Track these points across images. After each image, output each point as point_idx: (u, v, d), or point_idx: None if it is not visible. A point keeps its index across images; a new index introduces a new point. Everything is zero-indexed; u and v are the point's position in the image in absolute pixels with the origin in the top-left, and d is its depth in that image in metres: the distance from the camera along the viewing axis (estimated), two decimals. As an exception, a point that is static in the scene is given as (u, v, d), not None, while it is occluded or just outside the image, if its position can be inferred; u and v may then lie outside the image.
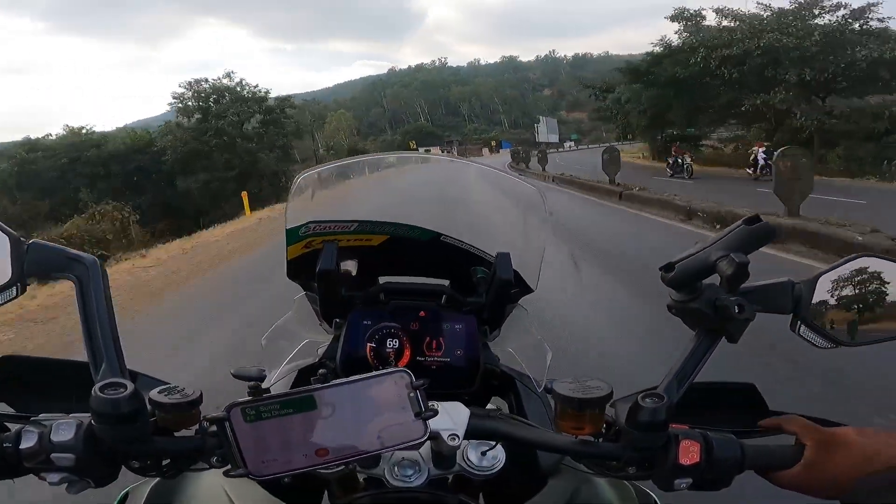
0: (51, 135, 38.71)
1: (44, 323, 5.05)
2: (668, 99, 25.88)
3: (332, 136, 66.65)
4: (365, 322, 0.79)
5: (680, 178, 18.89)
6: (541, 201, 0.85)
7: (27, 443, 0.46)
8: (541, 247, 0.85)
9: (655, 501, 0.68)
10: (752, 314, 0.54)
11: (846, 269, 0.58)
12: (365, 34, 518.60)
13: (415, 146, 77.34)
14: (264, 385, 0.80)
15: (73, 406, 0.50)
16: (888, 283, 0.58)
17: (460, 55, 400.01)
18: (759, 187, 13.06)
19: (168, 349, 4.05)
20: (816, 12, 21.99)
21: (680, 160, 19.78)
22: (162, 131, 35.94)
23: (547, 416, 0.74)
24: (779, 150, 7.89)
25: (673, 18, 24.91)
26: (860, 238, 5.50)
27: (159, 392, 0.49)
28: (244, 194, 17.25)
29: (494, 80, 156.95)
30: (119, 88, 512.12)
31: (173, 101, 35.64)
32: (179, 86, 38.15)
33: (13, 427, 0.49)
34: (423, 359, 0.78)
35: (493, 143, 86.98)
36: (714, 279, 0.55)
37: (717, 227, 7.35)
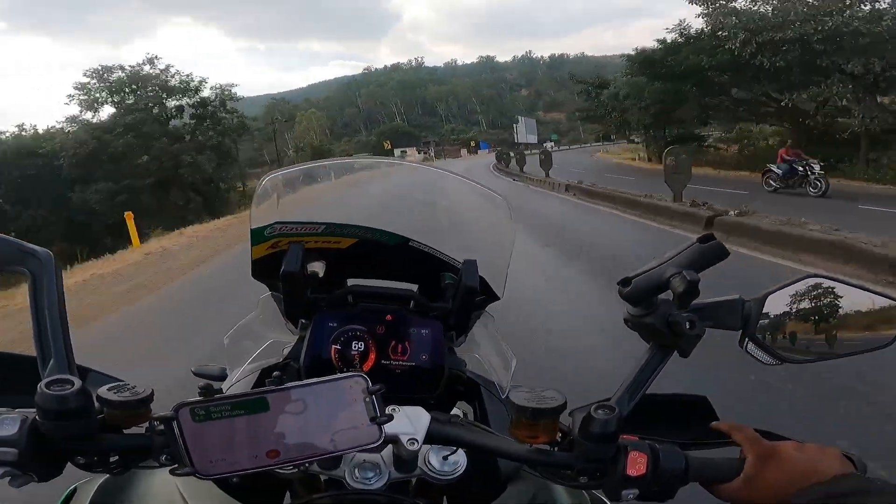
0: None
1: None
2: (680, 93, 22.76)
3: (302, 136, 63.07)
4: (331, 324, 0.79)
5: (799, 194, 12.80)
6: (507, 210, 0.86)
7: None
8: (507, 255, 0.86)
9: None
10: (703, 330, 0.56)
11: (794, 289, 0.60)
12: (340, 34, 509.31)
13: (390, 147, 74.59)
14: (225, 384, 0.82)
15: (21, 400, 0.50)
16: (834, 303, 0.60)
17: (437, 55, 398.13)
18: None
19: None
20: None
21: (802, 167, 13.04)
22: (52, 132, 29.19)
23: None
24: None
25: (692, 0, 20.40)
26: None
27: (109, 389, 0.49)
28: (128, 215, 11.52)
29: (472, 80, 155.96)
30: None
31: (75, 92, 28.85)
32: (84, 74, 30.21)
33: None
34: (388, 362, 0.78)
35: (472, 144, 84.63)
36: (669, 294, 0.57)
37: None
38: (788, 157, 13.54)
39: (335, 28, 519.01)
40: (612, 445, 0.53)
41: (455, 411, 0.83)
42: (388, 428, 0.50)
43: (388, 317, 0.80)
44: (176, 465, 0.47)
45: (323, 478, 0.60)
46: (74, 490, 0.68)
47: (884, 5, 17.25)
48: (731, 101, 23.31)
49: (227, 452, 0.46)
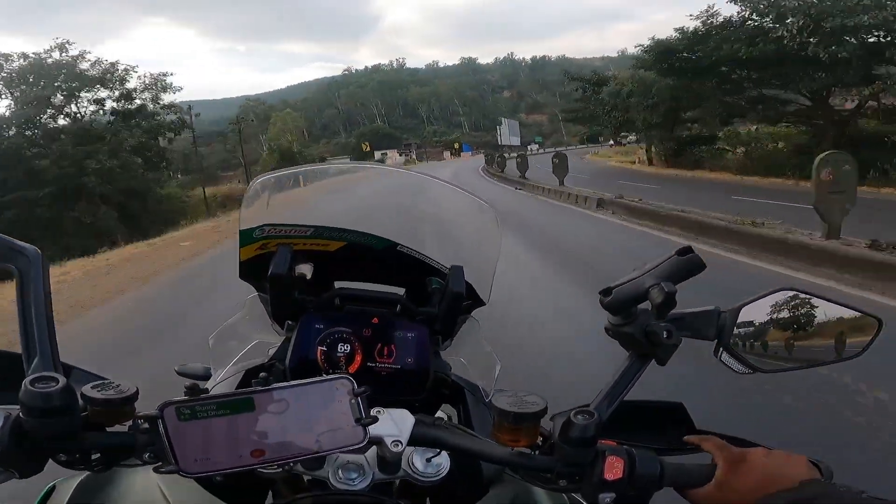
0: None
1: None
2: (696, 90, 20.21)
3: (276, 137, 59.93)
4: (317, 326, 0.79)
5: None
6: (495, 217, 0.87)
7: None
8: (493, 261, 0.87)
9: None
10: (679, 340, 0.57)
11: (769, 301, 0.61)
12: (320, 36, 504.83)
13: (368, 148, 72.01)
14: (210, 384, 0.81)
15: (4, 397, 0.49)
16: (807, 314, 0.62)
17: (418, 58, 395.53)
18: None
19: None
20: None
21: None
22: None
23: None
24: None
25: None
26: None
27: (93, 387, 0.49)
28: None
29: (454, 82, 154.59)
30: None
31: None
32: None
33: None
34: (373, 365, 0.79)
35: (456, 146, 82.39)
36: (648, 305, 0.58)
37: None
38: None
39: (315, 29, 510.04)
40: (590, 450, 0.54)
41: (439, 414, 0.82)
42: (373, 429, 0.51)
43: (375, 320, 0.80)
44: (160, 464, 0.48)
45: (306, 478, 0.61)
46: (53, 487, 0.67)
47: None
48: (756, 98, 20.52)
49: (211, 451, 0.47)
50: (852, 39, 15.24)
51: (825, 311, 0.62)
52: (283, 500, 0.63)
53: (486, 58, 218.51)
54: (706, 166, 22.74)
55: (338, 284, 0.85)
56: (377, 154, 64.60)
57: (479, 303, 0.86)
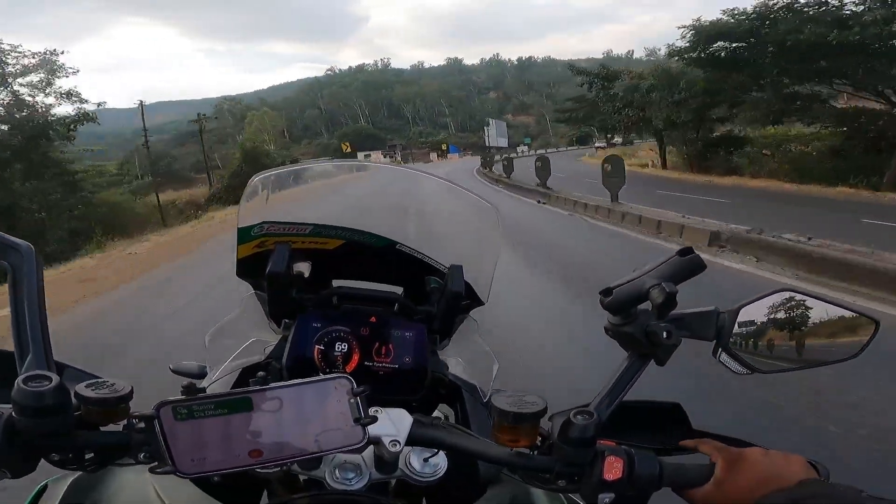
0: None
1: None
2: (746, 82, 16.69)
3: (252, 138, 56.22)
4: (314, 324, 0.79)
5: None
6: (496, 216, 0.87)
7: None
8: (493, 261, 0.87)
9: None
10: (679, 340, 0.57)
11: (768, 301, 0.62)
12: (304, 36, 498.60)
13: (349, 149, 68.46)
14: (205, 382, 0.79)
15: None
16: (804, 315, 0.62)
17: (404, 58, 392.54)
18: None
19: None
20: None
21: None
22: None
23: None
24: None
25: None
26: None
27: (86, 386, 0.49)
28: None
29: (440, 83, 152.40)
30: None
31: None
32: None
33: None
34: (371, 364, 0.79)
35: (443, 147, 79.25)
36: (648, 305, 0.58)
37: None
38: None
39: (298, 30, 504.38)
40: (590, 450, 0.54)
41: (437, 414, 0.82)
42: (371, 429, 0.50)
43: (373, 318, 0.80)
44: (155, 464, 0.47)
45: (302, 477, 0.60)
46: (45, 486, 0.67)
47: None
48: (811, 95, 17.51)
49: (208, 451, 0.46)
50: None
51: (822, 312, 0.62)
52: (278, 499, 0.62)
53: (471, 58, 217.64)
54: (743, 172, 19.39)
55: (336, 283, 0.85)
56: (360, 155, 61.39)
57: (478, 302, 0.87)
